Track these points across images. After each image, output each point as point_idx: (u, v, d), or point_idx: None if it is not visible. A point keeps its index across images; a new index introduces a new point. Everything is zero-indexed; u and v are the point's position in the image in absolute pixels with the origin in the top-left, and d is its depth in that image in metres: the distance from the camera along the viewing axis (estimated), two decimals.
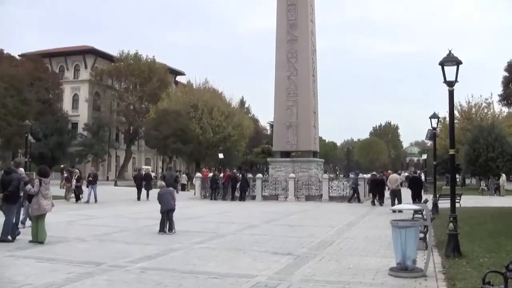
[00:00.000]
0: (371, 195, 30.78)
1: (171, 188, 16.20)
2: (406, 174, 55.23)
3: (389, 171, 41.57)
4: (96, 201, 27.53)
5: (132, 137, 77.24)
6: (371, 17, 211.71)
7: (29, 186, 12.59)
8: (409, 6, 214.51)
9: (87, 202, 27.29)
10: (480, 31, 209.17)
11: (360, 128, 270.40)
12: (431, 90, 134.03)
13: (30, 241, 12.24)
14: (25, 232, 13.12)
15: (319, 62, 36.07)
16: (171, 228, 14.81)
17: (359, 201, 30.53)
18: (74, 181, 28.63)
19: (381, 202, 28.71)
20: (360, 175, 34.36)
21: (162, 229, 14.75)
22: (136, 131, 75.84)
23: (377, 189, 29.43)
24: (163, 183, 16.98)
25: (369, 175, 34.29)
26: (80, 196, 28.25)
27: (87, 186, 28.41)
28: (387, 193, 28.24)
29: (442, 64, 11.57)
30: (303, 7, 33.31)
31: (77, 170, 30.90)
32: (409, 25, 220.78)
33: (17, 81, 52.86)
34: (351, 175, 39.69)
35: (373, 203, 28.94)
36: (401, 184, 28.38)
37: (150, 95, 71.16)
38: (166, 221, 14.87)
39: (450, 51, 11.63)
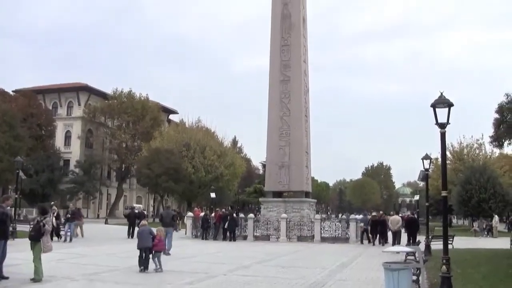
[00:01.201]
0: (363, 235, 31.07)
1: (152, 228, 16.34)
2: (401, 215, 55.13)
3: (380, 211, 41.48)
4: (71, 240, 26.75)
5: (124, 175, 76.93)
6: (364, 58, 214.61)
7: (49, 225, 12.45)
8: (401, 46, 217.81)
9: (65, 241, 26.44)
10: (470, 72, 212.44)
11: (352, 169, 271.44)
12: (423, 130, 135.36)
13: (32, 279, 11.97)
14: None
15: (312, 101, 36.31)
16: (146, 267, 14.84)
17: (369, 241, 30.55)
18: (53, 219, 27.99)
19: (384, 241, 29.25)
20: (352, 216, 34.26)
21: (140, 265, 14.85)
22: (128, 169, 75.59)
23: (377, 229, 29.71)
24: (144, 222, 17.08)
25: (361, 216, 34.31)
26: (60, 234, 27.46)
27: (65, 224, 27.79)
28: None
29: (434, 106, 11.65)
30: (297, 48, 33.63)
31: (55, 207, 30.46)
32: (401, 66, 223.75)
33: (10, 117, 52.75)
34: (344, 216, 39.53)
35: (373, 243, 29.12)
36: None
37: (142, 133, 71.18)
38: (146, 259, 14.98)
39: (441, 93, 11.73)
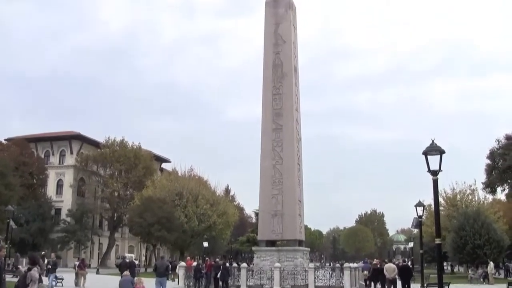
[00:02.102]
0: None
1: (131, 277, 16.38)
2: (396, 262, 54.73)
3: (375, 259, 41.18)
4: None
5: (116, 224, 76.21)
6: (356, 105, 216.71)
7: (35, 275, 12.11)
8: (392, 93, 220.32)
9: None
10: (461, 118, 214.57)
11: (346, 216, 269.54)
12: (416, 176, 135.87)
13: None
14: None
15: (304, 149, 36.33)
16: None
17: None
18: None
19: None
20: (346, 265, 33.86)
21: None
22: (120, 218, 74.95)
23: (378, 277, 29.57)
24: (127, 272, 17.11)
25: (355, 265, 34.00)
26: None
27: (46, 275, 27.22)
28: None
29: (426, 153, 11.69)
30: (288, 96, 33.84)
31: (53, 256, 30.14)
32: (393, 112, 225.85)
33: (1, 165, 52.46)
34: (338, 264, 39.13)
35: None
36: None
37: (135, 182, 70.90)
38: None
39: (433, 141, 11.79)
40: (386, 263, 31.06)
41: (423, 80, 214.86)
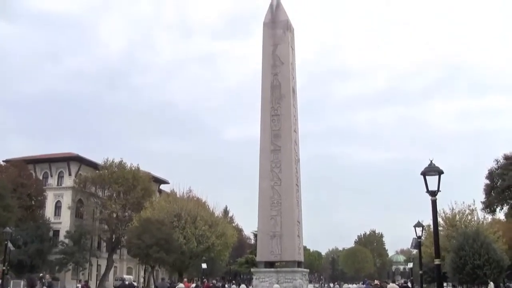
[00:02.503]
0: None
1: None
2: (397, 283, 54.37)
3: (375, 280, 40.93)
4: None
5: (114, 246, 75.79)
6: (355, 125, 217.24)
7: None
8: (390, 112, 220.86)
9: None
10: (459, 138, 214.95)
11: (344, 237, 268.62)
12: (415, 196, 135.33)
13: None
14: None
15: (303, 169, 36.28)
16: None
17: None
18: None
19: None
20: (345, 286, 33.72)
21: None
22: (118, 240, 74.56)
23: None
24: None
25: (355, 286, 33.83)
26: None
27: None
28: None
29: (424, 174, 11.68)
30: (287, 118, 33.86)
31: (48, 277, 29.89)
32: (391, 132, 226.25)
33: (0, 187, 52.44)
34: (336, 285, 38.93)
35: None
36: None
37: (133, 203, 70.66)
38: None
39: (431, 161, 11.79)
40: (387, 283, 30.94)
41: (422, 99, 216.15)
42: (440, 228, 54.76)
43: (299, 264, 34.36)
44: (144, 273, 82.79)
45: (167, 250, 56.10)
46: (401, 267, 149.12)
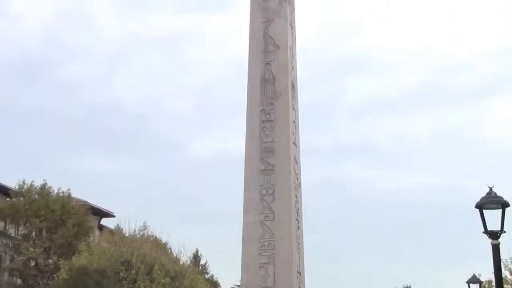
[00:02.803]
0: None
1: None
2: None
3: None
4: None
5: None
6: (376, 138, 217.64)
7: None
8: (426, 121, 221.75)
9: None
10: None
11: None
12: (466, 240, 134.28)
13: None
14: None
15: (305, 199, 36.31)
16: None
17: None
18: None
19: None
20: None
21: None
22: None
23: None
24: None
25: None
26: None
27: None
28: None
29: (481, 207, 11.72)
30: (284, 125, 33.68)
31: None
32: (427, 149, 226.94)
33: None
34: None
35: None
36: None
37: (61, 245, 70.42)
38: None
39: (491, 188, 11.89)
40: None
41: (474, 102, 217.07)
42: (507, 286, 54.87)
43: None
44: None
45: None
46: None
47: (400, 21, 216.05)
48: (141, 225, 70.12)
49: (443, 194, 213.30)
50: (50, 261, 71.76)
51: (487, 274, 44.55)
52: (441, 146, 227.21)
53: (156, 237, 68.58)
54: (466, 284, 24.59)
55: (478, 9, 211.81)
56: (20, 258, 71.82)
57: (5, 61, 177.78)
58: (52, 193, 73.39)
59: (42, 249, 71.42)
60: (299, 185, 37.03)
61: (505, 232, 11.51)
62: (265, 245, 34.05)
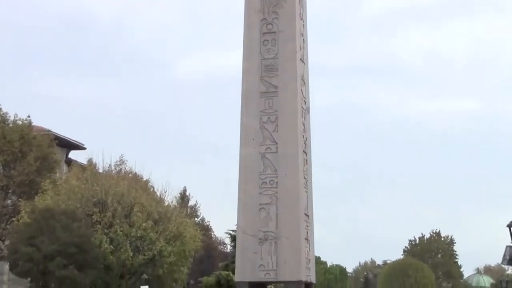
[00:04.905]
0: None
1: None
2: None
3: None
4: None
5: None
6: (401, 56, 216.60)
7: None
8: (461, 31, 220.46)
9: None
10: None
11: (386, 243, 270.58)
12: (509, 178, 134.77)
13: None
14: None
15: (315, 128, 36.93)
16: None
17: None
18: None
19: None
20: None
21: None
22: None
23: None
24: None
25: None
26: None
27: None
28: None
29: None
30: (289, 37, 34.13)
31: None
32: (462, 69, 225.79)
33: None
34: None
35: None
36: None
37: (21, 183, 70.86)
38: None
39: None
40: None
41: None
42: None
43: (307, 287, 35.27)
44: None
45: (81, 263, 56.71)
46: None
47: None
48: (118, 159, 71.18)
49: (480, 121, 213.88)
50: (9, 201, 72.29)
51: None
52: (478, 63, 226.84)
53: (135, 173, 69.12)
54: (507, 228, 25.21)
55: None
56: None
57: None
58: (9, 121, 73.50)
59: None
60: (308, 110, 37.39)
61: None
62: (266, 183, 34.52)
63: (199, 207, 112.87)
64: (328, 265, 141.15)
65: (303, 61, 35.23)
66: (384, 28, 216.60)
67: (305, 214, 34.43)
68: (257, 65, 34.10)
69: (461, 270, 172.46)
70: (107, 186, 63.59)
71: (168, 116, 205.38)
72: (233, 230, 77.19)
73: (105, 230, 60.46)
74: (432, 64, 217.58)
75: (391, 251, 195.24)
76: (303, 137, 34.69)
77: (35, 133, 73.61)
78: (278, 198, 33.38)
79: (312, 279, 35.62)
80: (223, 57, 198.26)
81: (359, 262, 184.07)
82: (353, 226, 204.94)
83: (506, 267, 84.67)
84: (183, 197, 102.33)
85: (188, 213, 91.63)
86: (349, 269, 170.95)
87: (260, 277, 33.77)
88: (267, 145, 33.67)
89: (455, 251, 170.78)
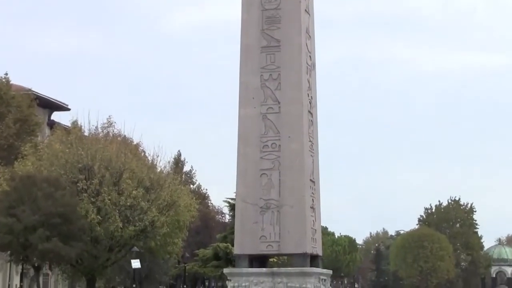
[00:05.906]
0: None
1: None
2: None
3: None
4: None
5: None
6: (415, 6, 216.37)
7: None
8: None
9: None
10: None
11: (398, 212, 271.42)
12: None
13: None
14: None
15: (321, 85, 36.84)
16: None
17: None
18: None
19: None
20: None
21: None
22: None
23: None
24: None
25: None
26: None
27: None
28: None
29: None
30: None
31: None
32: (488, 18, 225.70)
33: None
34: None
35: None
36: None
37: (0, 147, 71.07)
38: None
39: None
40: None
41: None
42: None
43: (313, 259, 35.33)
44: (22, 279, 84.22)
45: (65, 235, 56.87)
46: (510, 270, 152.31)
47: None
48: (105, 121, 71.03)
49: (504, 80, 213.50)
50: None
51: None
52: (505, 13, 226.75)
53: (124, 136, 69.13)
54: None
55: None
56: None
57: None
58: None
59: None
60: (313, 66, 37.32)
61: None
62: (268, 146, 34.56)
63: (194, 173, 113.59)
64: (336, 236, 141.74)
65: (308, 12, 35.14)
66: None
67: (311, 180, 34.45)
68: (257, 16, 34.00)
69: (482, 241, 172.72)
70: (94, 150, 63.46)
71: (159, 73, 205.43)
72: (232, 198, 77.35)
73: (92, 199, 60.52)
74: (453, 11, 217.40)
75: (405, 220, 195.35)
76: (308, 96, 34.63)
77: (13, 93, 73.59)
78: (280, 163, 33.41)
79: (318, 251, 35.71)
80: (220, 8, 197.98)
81: (370, 233, 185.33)
82: (363, 193, 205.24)
83: None
84: (178, 162, 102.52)
85: (183, 179, 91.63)
86: (359, 241, 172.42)
87: (261, 249, 33.81)
88: (268, 105, 33.63)
89: (475, 220, 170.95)
